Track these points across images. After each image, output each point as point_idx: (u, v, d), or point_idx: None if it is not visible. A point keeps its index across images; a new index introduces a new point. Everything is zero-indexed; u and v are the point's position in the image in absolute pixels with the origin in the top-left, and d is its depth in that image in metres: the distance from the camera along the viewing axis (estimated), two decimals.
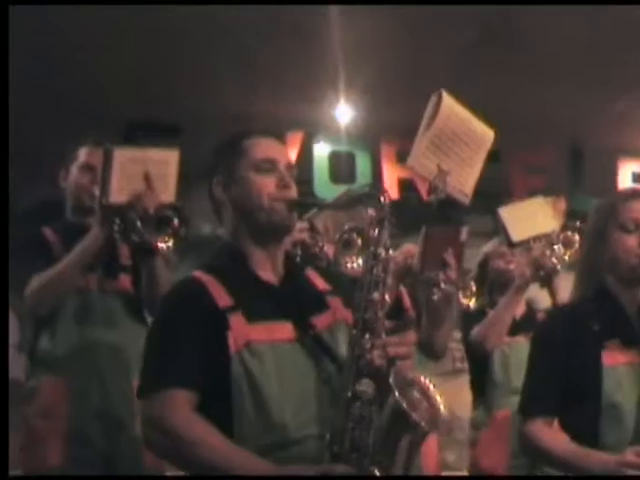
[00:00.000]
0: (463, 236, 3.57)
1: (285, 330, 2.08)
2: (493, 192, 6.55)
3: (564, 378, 2.41)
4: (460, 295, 3.63)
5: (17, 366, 3.43)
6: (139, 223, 3.13)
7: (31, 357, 3.32)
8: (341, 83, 5.39)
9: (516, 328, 3.96)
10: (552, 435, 2.41)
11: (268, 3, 4.59)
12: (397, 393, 1.85)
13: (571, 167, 6.72)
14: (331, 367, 2.08)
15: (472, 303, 3.77)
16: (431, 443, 3.73)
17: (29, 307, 3.20)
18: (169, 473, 3.18)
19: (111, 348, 3.26)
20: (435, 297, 3.54)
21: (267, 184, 2.16)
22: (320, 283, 2.27)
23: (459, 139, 2.44)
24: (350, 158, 6.27)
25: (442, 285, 3.49)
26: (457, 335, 6.09)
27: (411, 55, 5.27)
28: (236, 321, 2.03)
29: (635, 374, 2.39)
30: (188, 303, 2.08)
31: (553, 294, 4.02)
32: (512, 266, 4.15)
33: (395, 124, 5.99)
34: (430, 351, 3.82)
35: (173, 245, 3.17)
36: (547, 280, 4.00)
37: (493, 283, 4.26)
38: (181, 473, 2.09)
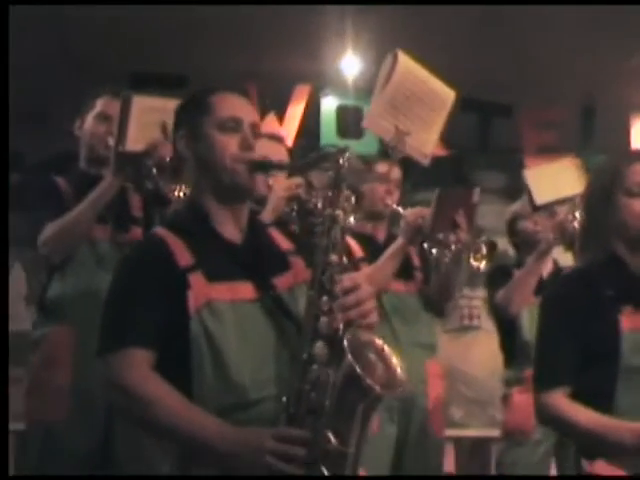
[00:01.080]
0: (475, 198, 3.59)
1: (246, 289, 2.07)
2: (504, 148, 6.53)
3: (581, 344, 2.38)
4: (471, 257, 3.64)
5: (25, 317, 3.38)
6: (154, 171, 3.11)
7: (40, 306, 3.29)
8: (349, 36, 5.30)
9: (544, 288, 3.94)
10: (574, 406, 2.37)
11: None
12: (350, 356, 1.83)
13: (582, 124, 6.64)
14: (291, 328, 2.06)
15: (482, 265, 3.75)
16: (436, 401, 3.76)
17: (43, 255, 3.19)
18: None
19: None
20: (446, 258, 3.55)
21: (230, 144, 2.13)
22: (283, 242, 2.25)
23: (418, 99, 2.35)
24: (358, 112, 6.17)
25: (452, 246, 3.51)
26: (466, 292, 6.12)
27: (420, 8, 5.18)
28: (196, 280, 2.02)
29: None
30: (148, 262, 2.07)
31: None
32: (539, 228, 4.15)
33: None
34: (438, 310, 3.84)
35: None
36: (571, 244, 3.99)
37: (521, 243, 4.29)
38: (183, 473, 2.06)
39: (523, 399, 3.89)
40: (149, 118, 3.13)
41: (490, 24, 5.40)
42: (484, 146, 6.61)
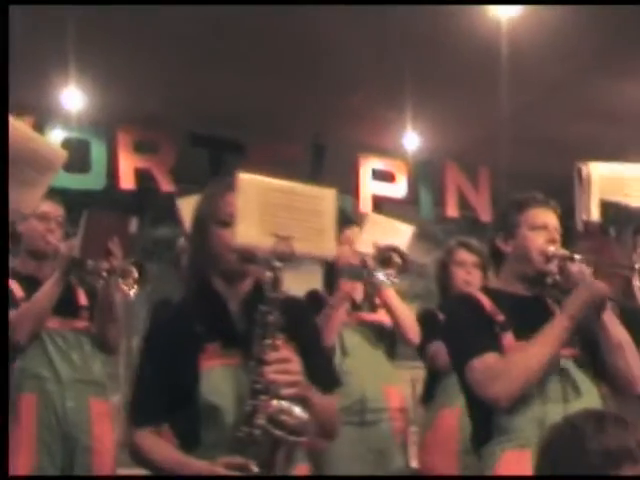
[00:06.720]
0: (132, 227, 3.60)
1: None
2: None
3: (166, 383, 2.34)
4: (121, 282, 3.68)
5: None
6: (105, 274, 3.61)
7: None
8: (72, 67, 5.13)
9: None
10: (159, 445, 2.35)
11: None
12: None
13: (312, 161, 6.73)
14: None
15: (133, 291, 3.70)
16: (103, 440, 3.73)
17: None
18: None
19: None
20: (99, 286, 3.65)
21: None
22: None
23: (21, 160, 2.15)
24: (83, 146, 5.94)
25: (104, 274, 3.50)
26: None
27: (149, 42, 5.10)
28: None
29: (232, 374, 2.32)
30: None
31: None
32: None
33: (133, 112, 5.77)
34: (102, 344, 3.79)
35: None
36: None
37: None
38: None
39: None
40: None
41: (221, 61, 5.37)
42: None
